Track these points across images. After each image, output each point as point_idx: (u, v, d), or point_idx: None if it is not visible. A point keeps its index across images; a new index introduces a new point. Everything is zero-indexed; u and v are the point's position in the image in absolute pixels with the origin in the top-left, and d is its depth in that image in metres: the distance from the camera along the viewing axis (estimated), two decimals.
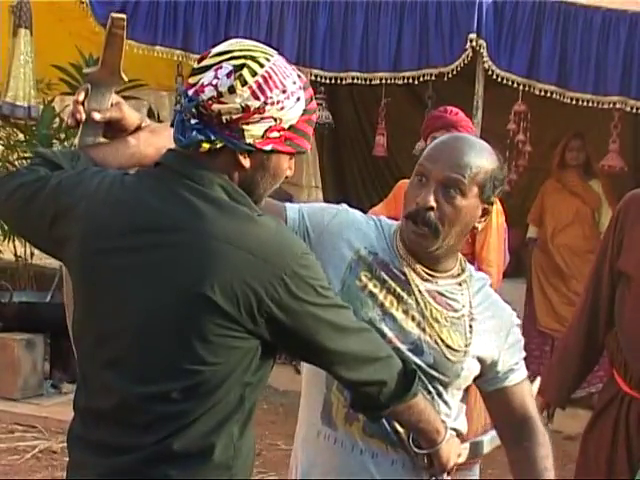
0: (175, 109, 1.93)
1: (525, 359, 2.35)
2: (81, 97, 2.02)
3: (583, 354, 3.37)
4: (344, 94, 8.07)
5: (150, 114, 8.24)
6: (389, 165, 8.08)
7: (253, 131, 1.82)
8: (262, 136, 1.83)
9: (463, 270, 2.30)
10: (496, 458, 2.63)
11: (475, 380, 2.31)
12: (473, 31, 5.99)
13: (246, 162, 1.85)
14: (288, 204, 2.29)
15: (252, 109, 1.81)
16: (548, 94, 6.03)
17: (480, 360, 2.26)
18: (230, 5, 6.57)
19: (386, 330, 2.18)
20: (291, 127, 1.86)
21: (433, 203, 2.16)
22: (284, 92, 1.83)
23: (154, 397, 1.81)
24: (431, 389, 2.21)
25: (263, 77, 1.81)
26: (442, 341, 2.21)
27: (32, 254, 7.74)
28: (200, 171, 1.83)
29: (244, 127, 1.82)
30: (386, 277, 2.22)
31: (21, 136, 7.83)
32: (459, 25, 6.05)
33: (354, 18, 6.30)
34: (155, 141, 2.02)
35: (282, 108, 1.83)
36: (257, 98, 1.81)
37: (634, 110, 5.97)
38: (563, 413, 3.50)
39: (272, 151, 1.86)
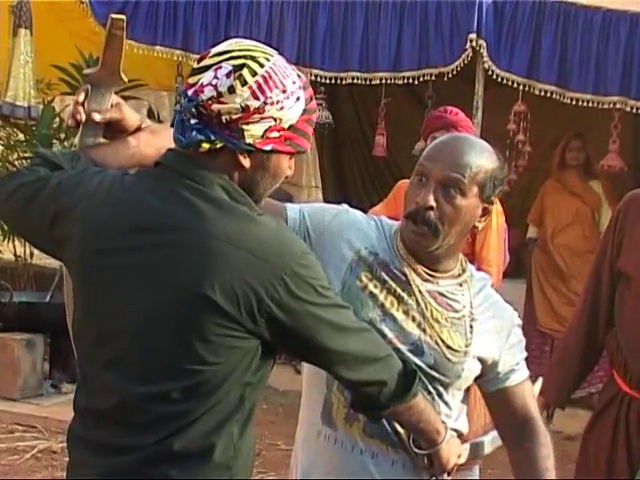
0: (175, 109, 1.93)
1: (525, 359, 2.35)
2: (81, 98, 2.01)
3: (583, 354, 3.36)
4: (344, 94, 8.08)
5: (150, 114, 8.24)
6: (389, 165, 8.08)
7: (253, 131, 1.82)
8: (262, 136, 1.83)
9: (464, 270, 2.30)
10: (496, 458, 2.63)
11: (476, 380, 2.31)
12: (473, 31, 5.99)
13: (246, 162, 1.85)
14: (289, 204, 2.29)
15: (252, 109, 1.80)
16: (548, 94, 6.04)
17: (481, 360, 2.26)
18: (230, 5, 6.57)
19: (386, 331, 2.18)
20: (291, 127, 1.86)
21: (433, 203, 2.16)
22: (284, 92, 1.83)
23: (154, 397, 1.81)
24: (431, 390, 2.21)
25: (263, 77, 1.81)
26: (442, 342, 2.21)
27: (32, 254, 7.74)
28: (200, 171, 1.83)
29: (244, 127, 1.81)
30: (387, 277, 2.22)
31: (21, 136, 7.83)
32: (459, 25, 6.05)
33: (354, 18, 6.30)
34: (155, 141, 2.02)
35: (282, 108, 1.83)
36: (257, 98, 1.80)
37: (634, 110, 5.98)
38: (563, 413, 3.50)
39: (272, 151, 1.86)
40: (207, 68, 1.83)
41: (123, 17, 2.01)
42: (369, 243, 2.25)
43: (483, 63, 6.05)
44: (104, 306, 1.85)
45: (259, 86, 1.81)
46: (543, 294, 6.98)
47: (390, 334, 2.18)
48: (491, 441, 2.42)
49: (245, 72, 1.80)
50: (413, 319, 2.21)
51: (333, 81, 6.54)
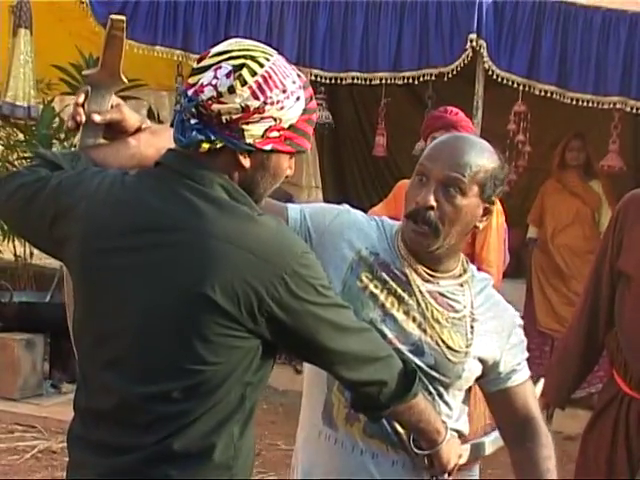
0: (175, 109, 1.93)
1: (527, 360, 2.35)
2: (81, 99, 2.01)
3: (583, 354, 3.36)
4: (344, 94, 8.08)
5: (150, 114, 8.25)
6: (389, 165, 8.08)
7: (253, 131, 1.82)
8: (262, 136, 1.83)
9: (465, 271, 2.29)
10: (497, 458, 2.63)
11: (477, 380, 2.30)
12: (473, 31, 5.99)
13: (246, 162, 1.85)
14: (290, 204, 2.28)
15: (252, 109, 1.80)
16: (548, 94, 6.04)
17: (482, 361, 2.26)
18: (230, 5, 6.57)
19: (387, 331, 2.17)
20: (291, 126, 1.86)
21: (433, 202, 2.16)
22: (284, 92, 1.83)
23: (154, 397, 1.81)
24: (432, 390, 2.21)
25: (263, 77, 1.81)
26: (443, 342, 2.21)
27: (32, 254, 7.74)
28: (200, 171, 1.83)
29: (244, 127, 1.81)
30: (387, 278, 2.22)
31: (21, 136, 7.83)
32: (459, 25, 6.05)
33: (354, 18, 6.30)
34: (155, 142, 2.01)
35: (282, 108, 1.83)
36: (257, 98, 1.80)
37: (634, 110, 5.98)
38: (563, 413, 3.50)
39: (272, 151, 1.85)
40: (207, 68, 1.83)
41: (123, 18, 2.00)
42: (370, 243, 2.25)
43: (483, 63, 6.05)
44: (104, 306, 1.85)
45: (259, 86, 1.81)
46: (543, 294, 6.98)
47: (390, 334, 2.17)
48: (492, 442, 2.42)
49: (245, 72, 1.80)
50: (414, 319, 2.21)
51: (333, 81, 6.54)
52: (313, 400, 2.28)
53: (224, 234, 1.78)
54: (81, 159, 1.98)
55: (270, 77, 1.82)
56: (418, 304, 2.21)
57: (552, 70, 5.98)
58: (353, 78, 6.43)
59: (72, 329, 1.95)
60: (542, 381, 2.71)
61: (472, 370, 2.25)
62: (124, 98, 2.18)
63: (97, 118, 2.00)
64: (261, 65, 1.82)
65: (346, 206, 2.35)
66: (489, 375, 2.29)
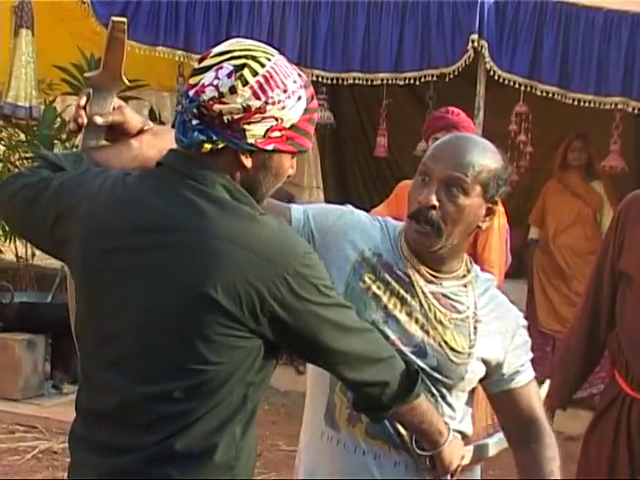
0: (176, 110, 1.92)
1: (531, 360, 2.34)
2: (83, 101, 2.01)
3: (584, 355, 3.36)
4: (345, 95, 8.08)
5: (151, 115, 8.25)
6: (390, 166, 8.08)
7: (255, 131, 1.82)
8: (264, 136, 1.83)
9: (469, 271, 2.29)
10: (499, 460, 2.62)
11: (481, 381, 2.30)
12: (475, 32, 5.99)
13: (248, 162, 1.84)
14: (293, 205, 2.28)
15: (253, 109, 1.80)
16: (550, 95, 6.03)
17: (485, 362, 2.25)
18: (232, 5, 6.57)
19: (389, 332, 2.17)
20: (292, 126, 1.85)
21: (435, 202, 2.16)
22: (285, 91, 1.83)
23: (156, 397, 1.81)
24: (435, 392, 2.21)
25: (264, 77, 1.81)
26: (446, 343, 2.20)
27: (33, 255, 7.75)
28: (202, 171, 1.83)
29: (245, 127, 1.81)
30: (390, 279, 2.21)
31: (22, 136, 7.83)
32: (461, 26, 6.05)
33: (356, 18, 6.30)
34: (158, 143, 2.01)
35: (283, 107, 1.83)
36: (258, 98, 1.80)
37: (636, 111, 5.97)
38: (564, 414, 3.49)
39: (274, 150, 1.85)
40: (208, 68, 1.83)
41: (124, 20, 2.00)
42: (373, 244, 2.24)
43: (485, 64, 6.05)
44: (106, 306, 1.85)
45: (260, 86, 1.80)
46: (544, 295, 6.98)
47: (393, 336, 2.17)
48: (496, 443, 2.41)
49: (246, 72, 1.80)
50: (416, 321, 2.20)
51: (334, 81, 6.54)
52: (316, 401, 2.28)
53: (226, 234, 1.78)
54: (83, 160, 1.98)
55: (271, 77, 1.82)
56: (421, 305, 2.21)
57: (554, 70, 5.98)
58: (354, 78, 6.43)
59: (74, 330, 1.95)
60: (547, 382, 2.70)
61: (475, 371, 2.25)
62: (125, 98, 2.18)
63: (99, 120, 2.00)
64: (262, 65, 1.82)
65: (349, 207, 2.34)
66: (493, 376, 2.29)
